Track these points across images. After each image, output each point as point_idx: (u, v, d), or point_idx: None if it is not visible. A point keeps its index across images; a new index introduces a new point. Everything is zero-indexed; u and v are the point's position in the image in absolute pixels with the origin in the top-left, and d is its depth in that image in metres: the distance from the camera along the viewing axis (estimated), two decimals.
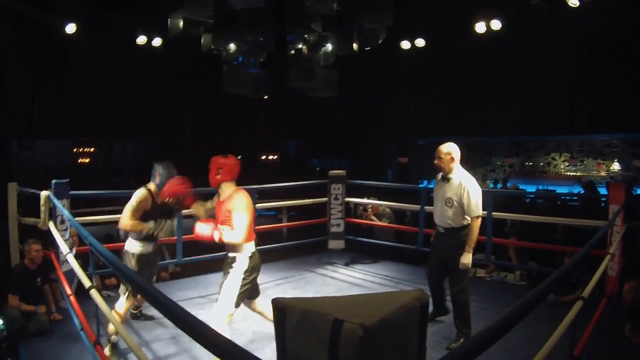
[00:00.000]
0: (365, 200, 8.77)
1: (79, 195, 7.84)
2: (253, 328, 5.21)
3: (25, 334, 4.88)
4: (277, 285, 6.94)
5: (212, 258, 6.66)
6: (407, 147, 18.91)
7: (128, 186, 16.33)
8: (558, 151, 18.97)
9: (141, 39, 10.90)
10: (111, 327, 4.33)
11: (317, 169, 21.09)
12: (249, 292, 4.24)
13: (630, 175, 17.09)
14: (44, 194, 5.61)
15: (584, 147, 18.33)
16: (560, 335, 2.93)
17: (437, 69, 12.37)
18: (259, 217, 8.38)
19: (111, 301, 5.25)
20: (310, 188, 9.60)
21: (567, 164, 18.75)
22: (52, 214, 5.65)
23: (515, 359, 4.36)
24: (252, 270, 4.19)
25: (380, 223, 8.44)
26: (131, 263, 4.72)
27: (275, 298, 3.18)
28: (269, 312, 4.04)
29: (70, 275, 5.21)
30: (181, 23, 7.44)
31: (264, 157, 22.57)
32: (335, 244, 8.43)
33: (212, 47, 7.99)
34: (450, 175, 4.79)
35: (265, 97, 10.68)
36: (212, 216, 4.38)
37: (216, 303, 4.13)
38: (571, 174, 18.65)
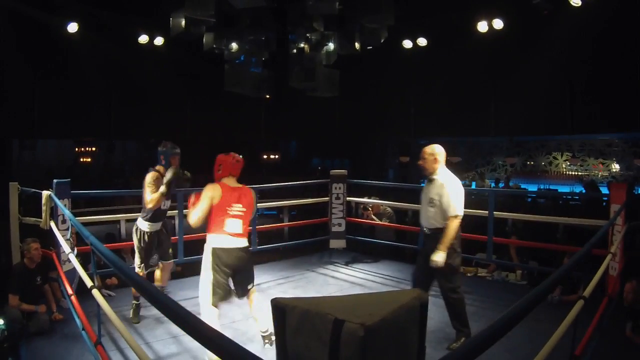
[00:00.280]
0: (366, 200, 8.77)
1: (80, 195, 7.86)
2: (253, 328, 5.21)
3: (26, 334, 4.89)
4: (278, 284, 6.94)
5: None
6: (409, 146, 18.85)
7: (129, 186, 16.37)
8: (559, 151, 18.94)
9: (143, 39, 10.90)
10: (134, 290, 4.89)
11: (319, 168, 21.08)
12: (223, 292, 4.37)
13: (631, 174, 17.06)
14: (45, 193, 5.62)
15: (585, 147, 18.30)
16: (562, 334, 2.93)
17: (438, 69, 12.36)
18: (260, 216, 8.40)
19: (112, 301, 5.26)
20: (311, 188, 9.62)
21: (568, 163, 18.72)
22: (54, 213, 5.66)
23: (517, 358, 4.36)
24: (218, 266, 4.32)
25: (381, 222, 8.45)
26: (137, 239, 5.35)
27: (275, 298, 3.18)
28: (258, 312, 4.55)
29: (72, 274, 5.22)
30: (183, 22, 7.44)
31: (265, 156, 22.56)
32: (336, 244, 8.44)
33: (214, 46, 8.00)
34: (434, 176, 4.82)
35: (267, 96, 10.68)
36: None
37: None
38: (572, 173, 18.63)
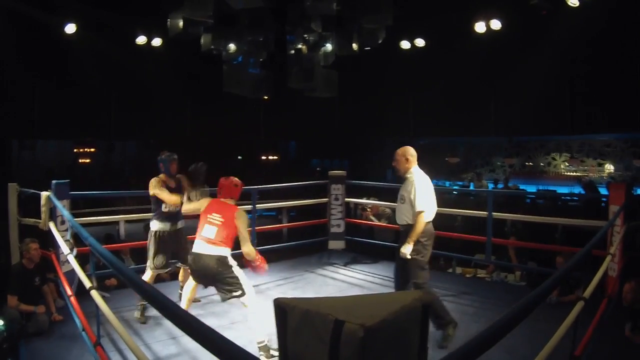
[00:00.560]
0: (365, 201, 8.76)
1: (79, 196, 7.85)
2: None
3: (25, 335, 4.88)
4: (277, 285, 6.94)
5: None
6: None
7: (128, 187, 16.35)
8: (558, 151, 18.94)
9: (141, 39, 10.89)
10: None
11: (318, 169, 21.04)
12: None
13: (630, 175, 17.06)
14: (44, 194, 5.62)
15: (584, 147, 18.30)
16: (561, 335, 2.93)
17: (437, 69, 12.37)
18: (259, 217, 8.39)
19: (111, 302, 5.25)
20: (310, 188, 9.60)
21: (567, 164, 18.72)
22: (53, 214, 5.65)
23: (516, 358, 4.36)
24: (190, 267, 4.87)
25: (380, 223, 8.44)
26: (148, 238, 5.68)
27: (277, 298, 3.18)
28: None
29: (71, 275, 5.21)
30: (181, 23, 7.42)
31: (264, 157, 22.50)
32: (335, 245, 8.43)
33: (212, 47, 7.98)
34: (407, 175, 5.08)
35: (265, 97, 10.69)
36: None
37: None
38: (571, 174, 18.63)
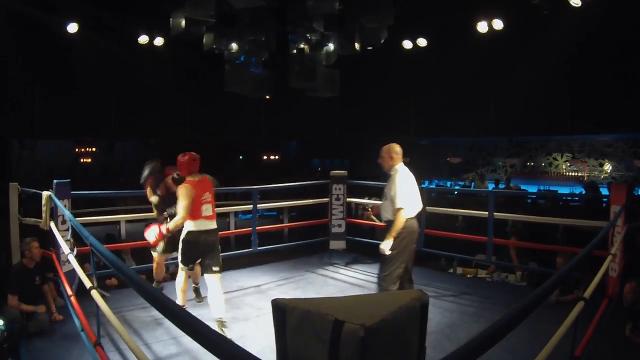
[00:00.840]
0: (366, 201, 8.75)
1: (80, 195, 7.85)
2: (254, 328, 5.22)
3: (26, 334, 4.88)
4: (278, 285, 6.93)
5: None
6: (408, 146, 18.86)
7: (129, 186, 16.35)
8: (559, 151, 18.94)
9: (143, 39, 10.89)
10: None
11: (319, 169, 21.05)
12: (189, 259, 5.21)
13: (631, 175, 17.06)
14: (45, 194, 5.62)
15: (585, 147, 18.29)
16: (562, 335, 2.92)
17: (438, 69, 12.37)
18: (260, 217, 8.40)
19: (111, 301, 5.26)
20: (311, 188, 9.60)
21: (568, 164, 18.72)
22: (54, 214, 5.65)
23: (516, 358, 4.36)
24: (189, 244, 5.12)
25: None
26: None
27: (276, 299, 3.18)
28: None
29: (72, 275, 5.21)
30: (183, 22, 7.43)
31: (265, 157, 22.51)
32: (336, 245, 8.42)
33: (214, 46, 7.99)
34: (391, 172, 5.18)
35: (267, 97, 10.68)
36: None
37: None
38: (572, 174, 18.63)
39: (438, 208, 8.56)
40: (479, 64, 11.84)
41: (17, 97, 11.26)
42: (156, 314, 5.28)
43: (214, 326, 4.91)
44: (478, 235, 7.30)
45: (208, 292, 5.26)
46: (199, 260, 5.36)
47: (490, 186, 15.82)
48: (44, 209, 5.65)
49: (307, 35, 7.99)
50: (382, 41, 8.15)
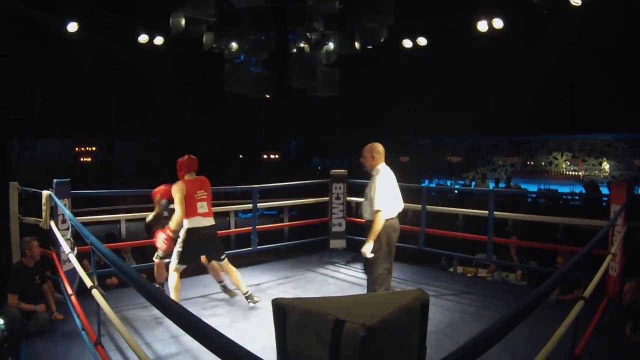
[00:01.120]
0: None
1: (80, 195, 7.86)
2: (253, 328, 5.22)
3: (26, 334, 4.88)
4: (278, 284, 6.94)
5: None
6: (409, 146, 18.87)
7: (129, 186, 16.36)
8: (559, 150, 18.95)
9: (143, 38, 10.88)
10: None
11: (319, 168, 21.06)
12: (187, 257, 5.44)
13: (631, 174, 17.07)
14: (45, 193, 5.62)
15: (585, 147, 18.30)
16: (562, 335, 2.93)
17: (438, 68, 12.35)
18: (260, 216, 8.39)
19: (112, 301, 5.26)
20: (311, 187, 9.60)
21: (568, 163, 18.73)
22: (54, 213, 5.66)
23: (516, 358, 4.36)
24: (188, 240, 5.37)
25: None
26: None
27: (276, 298, 3.18)
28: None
29: (72, 274, 5.22)
30: (183, 22, 7.43)
31: (265, 156, 22.54)
32: (336, 244, 8.42)
33: (214, 46, 7.99)
34: (372, 172, 5.19)
35: (267, 96, 10.67)
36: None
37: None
38: (572, 173, 18.64)
39: (438, 207, 8.58)
40: (479, 64, 11.82)
41: (17, 97, 11.24)
42: (157, 312, 5.29)
43: (244, 301, 5.74)
44: (478, 235, 7.30)
45: (226, 278, 5.95)
46: (196, 259, 5.64)
47: (491, 185, 15.84)
48: (44, 208, 5.65)
49: (307, 34, 7.99)
50: (382, 41, 8.15)
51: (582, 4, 9.00)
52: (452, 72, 12.17)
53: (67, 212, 5.03)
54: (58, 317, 5.36)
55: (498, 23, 10.01)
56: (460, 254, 8.04)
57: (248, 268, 7.56)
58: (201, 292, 6.41)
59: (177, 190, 5.35)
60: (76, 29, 10.05)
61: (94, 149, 21.41)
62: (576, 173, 18.48)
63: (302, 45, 8.17)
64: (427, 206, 7.68)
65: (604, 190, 12.56)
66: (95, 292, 3.51)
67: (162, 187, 5.71)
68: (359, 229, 8.70)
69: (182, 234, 5.40)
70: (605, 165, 17.88)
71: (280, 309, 3.07)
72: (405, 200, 8.51)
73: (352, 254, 8.48)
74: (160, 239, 5.45)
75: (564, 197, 13.50)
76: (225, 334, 1.81)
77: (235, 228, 9.75)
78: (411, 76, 13.06)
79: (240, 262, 7.63)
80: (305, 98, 9.36)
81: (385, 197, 5.00)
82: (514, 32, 10.30)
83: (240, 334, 4.98)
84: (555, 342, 2.81)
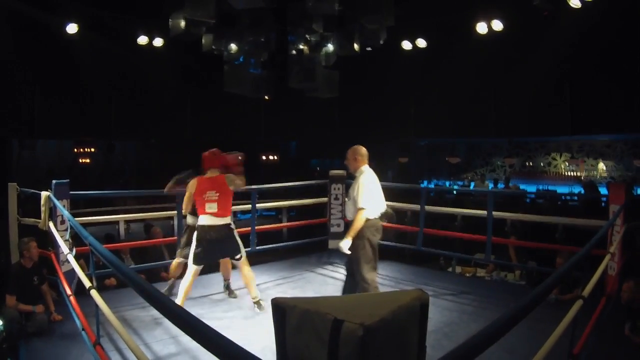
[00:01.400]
0: None
1: (79, 196, 7.85)
2: (253, 328, 5.22)
3: (24, 334, 4.88)
4: (277, 285, 6.94)
5: None
6: (408, 147, 18.88)
7: (129, 186, 16.35)
8: (558, 151, 18.96)
9: (142, 39, 10.87)
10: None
11: (317, 169, 21.04)
12: (201, 257, 5.45)
13: (630, 175, 17.07)
14: (44, 194, 5.62)
15: (584, 148, 18.31)
16: (560, 334, 2.93)
17: (438, 69, 12.36)
18: (259, 217, 8.39)
19: (111, 301, 5.26)
20: (310, 188, 9.60)
21: (567, 164, 18.73)
22: (53, 214, 5.65)
23: (515, 357, 4.36)
24: (199, 239, 5.42)
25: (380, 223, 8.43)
26: (184, 232, 6.18)
27: (275, 298, 3.18)
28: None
29: (71, 275, 5.22)
30: (182, 23, 7.43)
31: (264, 157, 22.50)
32: (335, 244, 8.34)
33: (213, 47, 7.99)
34: (356, 174, 5.35)
35: (266, 97, 10.67)
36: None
37: None
38: (572, 174, 18.65)
39: (437, 207, 8.58)
40: (479, 65, 11.84)
41: (17, 97, 11.24)
42: (155, 313, 5.29)
43: (244, 302, 5.92)
44: (477, 235, 7.31)
45: (233, 279, 6.24)
46: (209, 259, 5.73)
47: (490, 186, 15.85)
48: (42, 209, 5.65)
49: (307, 35, 8.00)
50: (382, 42, 8.15)
51: (582, 6, 9.01)
52: (451, 73, 12.18)
53: (66, 213, 5.03)
54: (57, 317, 5.36)
55: (498, 24, 9.99)
56: (459, 254, 8.04)
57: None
58: (201, 293, 6.41)
59: (188, 187, 5.55)
60: (76, 30, 10.05)
61: (93, 149, 21.37)
62: (576, 174, 18.48)
63: (301, 46, 8.17)
64: (426, 206, 7.68)
65: (603, 191, 12.56)
66: (94, 293, 3.51)
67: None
68: None
69: (195, 232, 5.52)
70: (601, 165, 17.89)
71: (280, 308, 3.08)
72: (404, 201, 8.54)
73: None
74: None
75: (563, 197, 13.50)
76: (224, 335, 1.81)
77: (235, 228, 9.72)
78: (410, 77, 13.08)
79: None
80: (304, 99, 9.37)
81: (368, 196, 5.15)
82: (514, 33, 10.30)
83: (240, 334, 4.98)
84: (554, 342, 2.82)
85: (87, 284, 3.69)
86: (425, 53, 11.48)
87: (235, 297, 6.25)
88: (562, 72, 11.38)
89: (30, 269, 5.43)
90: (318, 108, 12.85)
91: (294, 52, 8.24)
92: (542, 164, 19.36)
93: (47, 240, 5.86)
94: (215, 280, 6.65)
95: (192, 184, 5.49)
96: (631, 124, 11.10)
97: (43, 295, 5.50)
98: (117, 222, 8.70)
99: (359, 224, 5.13)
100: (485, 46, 10.80)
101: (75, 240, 5.66)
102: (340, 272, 7.63)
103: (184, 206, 5.72)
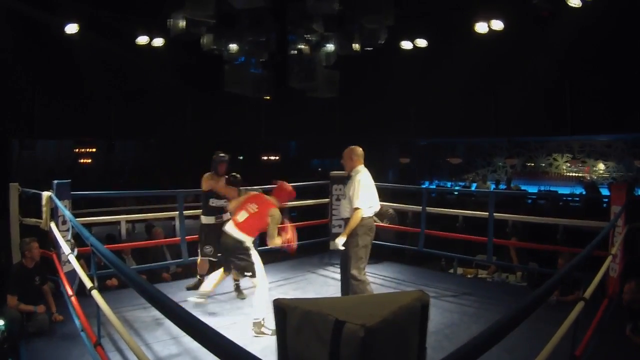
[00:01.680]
0: None
1: (81, 196, 7.85)
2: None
3: (25, 334, 4.87)
4: (278, 286, 6.94)
5: None
6: (409, 147, 18.88)
7: (129, 186, 16.33)
8: (559, 152, 18.93)
9: (142, 39, 10.84)
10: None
11: (318, 169, 21.03)
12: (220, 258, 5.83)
13: (631, 175, 17.05)
14: (46, 194, 5.62)
15: (585, 148, 18.29)
16: (562, 335, 2.93)
17: (438, 69, 12.35)
18: None
19: (111, 302, 5.26)
20: (311, 189, 9.59)
21: (568, 164, 18.71)
22: (54, 214, 5.65)
23: (516, 359, 4.36)
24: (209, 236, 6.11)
25: (381, 224, 8.43)
26: (200, 231, 6.45)
27: (276, 299, 3.18)
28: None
29: (72, 275, 5.21)
30: (182, 23, 7.43)
31: (264, 157, 22.49)
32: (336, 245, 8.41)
33: (213, 47, 7.98)
34: (352, 174, 5.45)
35: (266, 97, 10.66)
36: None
37: None
38: (572, 174, 18.63)
39: (438, 208, 8.58)
40: (479, 64, 11.83)
41: (17, 97, 11.24)
42: (157, 314, 5.27)
43: (245, 302, 5.99)
44: (478, 236, 7.30)
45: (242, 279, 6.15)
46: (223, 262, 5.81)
47: (492, 187, 15.83)
48: (44, 209, 5.65)
49: (307, 35, 7.99)
50: (382, 42, 8.14)
51: (582, 5, 9.00)
52: (452, 73, 12.17)
53: (68, 214, 5.03)
54: (58, 318, 5.36)
55: (497, 24, 9.96)
56: (460, 255, 8.04)
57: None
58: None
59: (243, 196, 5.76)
60: (76, 30, 10.03)
61: (93, 149, 21.35)
62: (577, 174, 18.45)
63: (301, 46, 8.16)
64: (427, 208, 7.68)
65: (604, 192, 12.56)
66: (95, 293, 3.51)
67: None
68: None
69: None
70: (600, 165, 17.87)
71: (281, 309, 3.07)
72: (405, 202, 8.57)
73: None
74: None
75: (564, 198, 13.49)
76: (225, 335, 1.81)
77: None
78: (411, 77, 13.06)
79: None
80: (304, 99, 9.35)
81: (364, 196, 5.24)
82: (514, 32, 10.28)
83: (241, 334, 4.98)
84: (556, 343, 2.81)
85: (88, 284, 3.69)
86: (425, 53, 11.45)
87: (243, 298, 6.28)
88: (562, 71, 11.37)
89: (32, 269, 5.43)
90: (318, 108, 12.85)
91: (294, 51, 8.23)
92: (543, 165, 19.34)
93: (48, 241, 5.86)
94: (226, 280, 6.63)
95: (246, 196, 5.63)
96: (631, 124, 11.09)
97: (44, 296, 5.50)
98: (118, 223, 8.71)
99: (354, 222, 5.20)
100: (485, 46, 10.78)
101: (77, 240, 5.67)
102: None
103: (230, 206, 5.86)
